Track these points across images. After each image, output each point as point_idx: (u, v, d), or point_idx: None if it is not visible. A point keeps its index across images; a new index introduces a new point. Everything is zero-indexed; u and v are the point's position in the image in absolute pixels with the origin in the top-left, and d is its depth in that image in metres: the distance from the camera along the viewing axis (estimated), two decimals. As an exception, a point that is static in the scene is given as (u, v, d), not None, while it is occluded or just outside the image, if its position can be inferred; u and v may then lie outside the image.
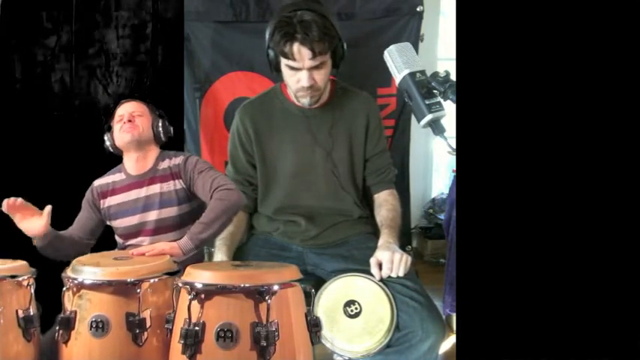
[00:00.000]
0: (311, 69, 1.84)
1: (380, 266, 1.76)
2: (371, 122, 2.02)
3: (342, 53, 1.92)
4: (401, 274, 1.74)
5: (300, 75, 1.86)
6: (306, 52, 1.80)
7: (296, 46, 1.80)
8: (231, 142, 2.07)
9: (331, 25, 1.85)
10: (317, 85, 1.88)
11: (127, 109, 1.89)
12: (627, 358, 1.13)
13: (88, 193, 1.93)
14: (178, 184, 1.86)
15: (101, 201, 1.91)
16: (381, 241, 1.88)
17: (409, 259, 1.77)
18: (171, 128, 1.96)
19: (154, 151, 1.91)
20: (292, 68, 1.86)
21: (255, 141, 2.00)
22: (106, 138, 1.91)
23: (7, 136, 2.17)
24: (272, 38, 1.85)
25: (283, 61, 1.86)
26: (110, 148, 1.91)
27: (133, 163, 1.89)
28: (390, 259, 1.75)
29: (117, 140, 1.88)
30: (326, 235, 1.99)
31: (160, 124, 1.91)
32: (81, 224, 1.91)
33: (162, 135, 1.91)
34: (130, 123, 1.85)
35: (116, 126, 1.88)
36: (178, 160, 1.89)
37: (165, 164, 1.89)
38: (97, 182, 1.94)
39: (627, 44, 1.14)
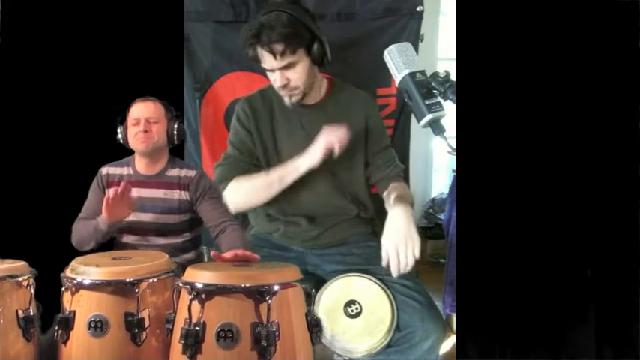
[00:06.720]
0: (282, 69, 1.85)
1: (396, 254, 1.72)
2: (370, 123, 2.00)
3: (320, 50, 1.87)
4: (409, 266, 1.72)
5: (275, 75, 1.88)
6: (266, 55, 1.83)
7: (258, 49, 1.84)
8: (233, 130, 2.05)
9: (297, 23, 1.81)
10: (290, 84, 1.88)
11: (143, 112, 1.86)
12: (625, 358, 1.13)
13: (96, 180, 1.93)
14: (184, 195, 1.86)
15: (106, 190, 1.91)
16: (392, 201, 1.83)
17: (415, 247, 1.72)
18: (184, 130, 1.94)
19: (164, 156, 1.91)
20: (266, 69, 1.89)
21: (255, 132, 1.99)
22: (118, 131, 1.90)
23: (8, 137, 2.17)
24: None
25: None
26: (121, 141, 1.90)
27: (142, 165, 1.90)
28: (396, 252, 1.71)
29: (131, 144, 1.88)
30: (326, 236, 1.99)
31: (175, 128, 1.88)
32: (93, 209, 1.89)
33: (175, 139, 1.89)
34: (145, 134, 1.83)
35: (131, 129, 1.86)
36: (191, 173, 1.88)
37: (174, 172, 1.89)
38: (104, 170, 1.93)
39: (625, 44, 1.14)
